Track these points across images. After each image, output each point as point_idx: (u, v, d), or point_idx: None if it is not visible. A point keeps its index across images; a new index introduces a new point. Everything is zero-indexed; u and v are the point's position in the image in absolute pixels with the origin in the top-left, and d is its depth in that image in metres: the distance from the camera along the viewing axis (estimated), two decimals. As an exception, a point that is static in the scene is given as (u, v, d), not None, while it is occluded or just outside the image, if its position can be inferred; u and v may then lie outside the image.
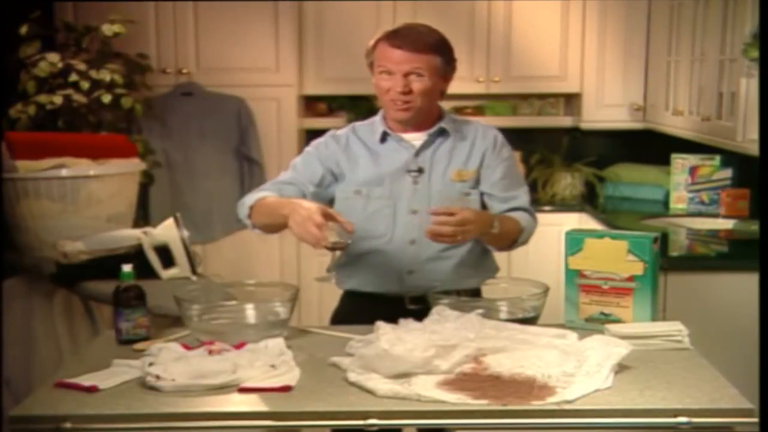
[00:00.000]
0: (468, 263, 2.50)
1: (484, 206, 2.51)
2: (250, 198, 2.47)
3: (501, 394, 1.84)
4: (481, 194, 2.51)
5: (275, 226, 2.39)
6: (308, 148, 2.59)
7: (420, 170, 2.48)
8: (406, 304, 2.44)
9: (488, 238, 2.44)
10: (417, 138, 2.50)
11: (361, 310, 2.40)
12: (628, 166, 4.88)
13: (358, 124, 2.60)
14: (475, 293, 2.51)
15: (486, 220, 2.38)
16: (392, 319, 2.18)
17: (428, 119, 2.50)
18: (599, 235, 2.38)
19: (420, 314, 2.22)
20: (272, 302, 2.32)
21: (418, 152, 2.49)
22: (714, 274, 3.22)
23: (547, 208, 4.71)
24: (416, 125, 2.49)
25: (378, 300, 2.47)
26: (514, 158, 2.60)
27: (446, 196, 2.46)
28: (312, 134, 4.81)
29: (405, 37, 2.40)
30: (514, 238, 2.49)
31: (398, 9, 4.66)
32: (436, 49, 2.42)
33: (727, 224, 3.99)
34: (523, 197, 2.55)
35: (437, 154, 2.49)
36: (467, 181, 2.49)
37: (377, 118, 2.55)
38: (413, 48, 2.38)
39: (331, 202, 2.53)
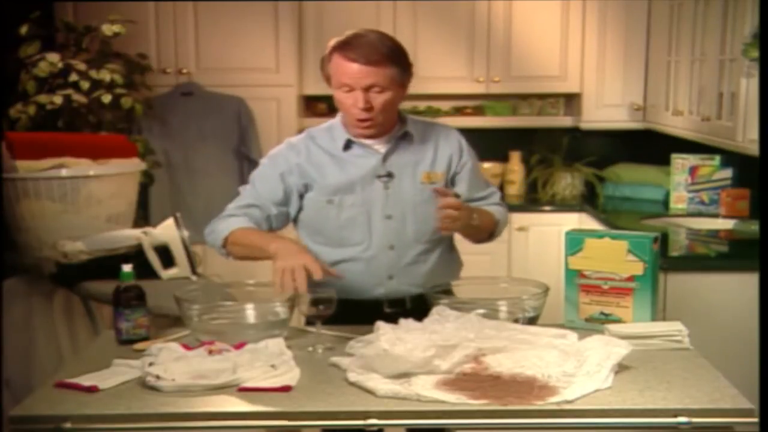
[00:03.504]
0: (442, 263, 2.51)
1: None
2: (222, 227, 2.42)
3: (501, 394, 1.84)
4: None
5: (255, 258, 2.37)
6: (264, 161, 2.53)
7: (389, 175, 2.44)
8: (384, 308, 2.43)
9: (468, 231, 2.45)
10: (381, 143, 2.45)
11: (339, 314, 2.32)
12: (628, 166, 4.88)
13: (314, 130, 2.53)
14: (447, 291, 2.50)
15: (468, 210, 2.39)
16: (371, 323, 2.17)
17: (390, 125, 2.45)
18: (599, 235, 2.38)
19: (397, 318, 2.20)
20: (272, 302, 2.32)
21: (386, 157, 2.45)
22: (714, 274, 3.22)
23: (547, 208, 4.72)
24: (380, 134, 2.45)
25: (356, 305, 2.42)
26: (477, 160, 2.59)
27: (420, 200, 2.43)
28: (312, 134, 4.84)
29: (359, 48, 2.31)
30: (491, 229, 2.52)
31: (398, 9, 4.66)
32: (392, 59, 2.34)
33: (727, 224, 3.98)
34: (493, 196, 2.59)
35: (404, 158, 2.46)
36: (436, 183, 2.46)
37: (335, 124, 2.49)
38: (369, 61, 2.30)
39: (296, 215, 2.51)
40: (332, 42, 2.38)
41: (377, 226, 2.43)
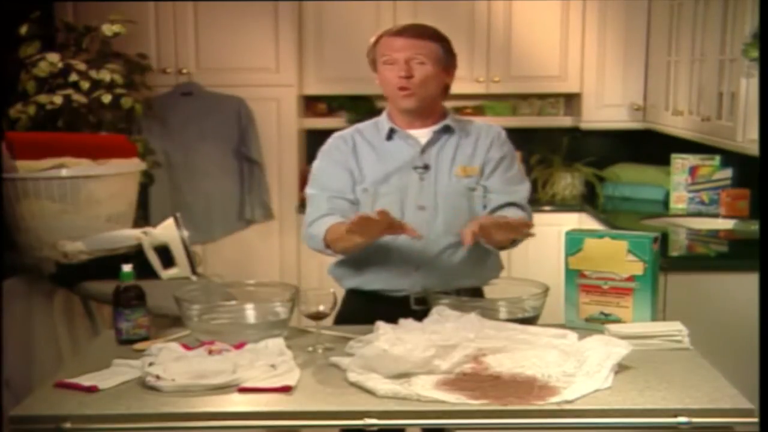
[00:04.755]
0: (473, 259, 2.50)
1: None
2: (317, 230, 2.45)
3: (501, 394, 1.84)
4: (484, 188, 2.52)
5: (360, 245, 2.38)
6: (318, 159, 2.58)
7: (426, 167, 2.50)
8: (411, 305, 2.44)
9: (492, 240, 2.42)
10: (423, 134, 2.53)
11: (365, 309, 2.38)
12: (628, 166, 4.88)
13: (361, 125, 2.63)
14: (477, 292, 2.51)
15: (492, 218, 2.38)
16: (396, 319, 2.19)
17: (433, 114, 2.54)
18: (599, 235, 2.38)
19: (424, 315, 2.23)
20: (272, 302, 2.32)
21: (424, 149, 2.52)
22: (714, 274, 3.22)
23: (547, 208, 4.71)
24: (422, 119, 2.53)
25: (382, 299, 2.49)
26: (515, 155, 2.63)
27: (452, 192, 2.49)
28: (312, 134, 4.85)
29: (405, 29, 2.50)
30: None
31: (398, 9, 4.66)
32: (436, 38, 2.50)
33: (727, 224, 3.98)
34: (522, 192, 2.56)
35: (443, 151, 2.53)
36: (472, 177, 2.51)
37: (382, 117, 2.59)
38: (413, 35, 2.47)
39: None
40: (380, 31, 2.56)
41: (409, 216, 2.45)
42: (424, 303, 2.40)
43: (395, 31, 2.50)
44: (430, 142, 2.53)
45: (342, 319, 2.55)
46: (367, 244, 2.37)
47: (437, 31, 2.53)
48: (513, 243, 2.51)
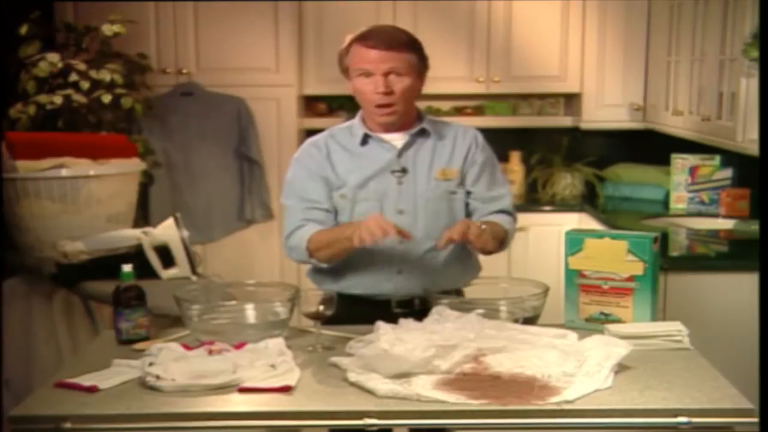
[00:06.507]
0: (453, 263, 2.50)
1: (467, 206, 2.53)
2: (297, 241, 2.45)
3: (501, 394, 1.84)
4: (467, 193, 2.52)
5: (342, 253, 2.39)
6: (294, 171, 2.55)
7: (404, 170, 2.48)
8: (393, 308, 2.44)
9: (480, 246, 2.42)
10: (398, 138, 2.50)
11: (347, 313, 2.36)
12: (628, 166, 4.88)
13: (336, 128, 2.59)
14: (458, 294, 2.52)
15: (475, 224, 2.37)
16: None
17: (408, 119, 2.51)
18: (599, 235, 2.38)
19: (405, 318, 2.22)
20: (272, 302, 2.32)
21: (401, 152, 2.49)
22: (714, 274, 3.22)
23: (547, 208, 4.71)
24: (398, 126, 2.50)
25: (364, 303, 2.47)
26: (495, 158, 2.61)
27: (431, 195, 2.47)
28: (312, 134, 4.82)
29: (378, 37, 2.40)
30: (501, 239, 2.48)
31: (398, 9, 4.66)
32: (411, 47, 2.42)
33: (727, 224, 3.98)
34: (506, 198, 2.57)
35: (420, 154, 2.50)
36: (452, 180, 2.50)
37: (356, 121, 2.54)
38: (389, 47, 2.38)
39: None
40: (350, 36, 2.45)
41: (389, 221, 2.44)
42: (405, 306, 2.41)
43: (368, 42, 2.39)
44: (407, 146, 2.49)
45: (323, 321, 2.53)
46: (351, 252, 2.36)
47: (409, 36, 2.45)
48: (501, 246, 2.50)
